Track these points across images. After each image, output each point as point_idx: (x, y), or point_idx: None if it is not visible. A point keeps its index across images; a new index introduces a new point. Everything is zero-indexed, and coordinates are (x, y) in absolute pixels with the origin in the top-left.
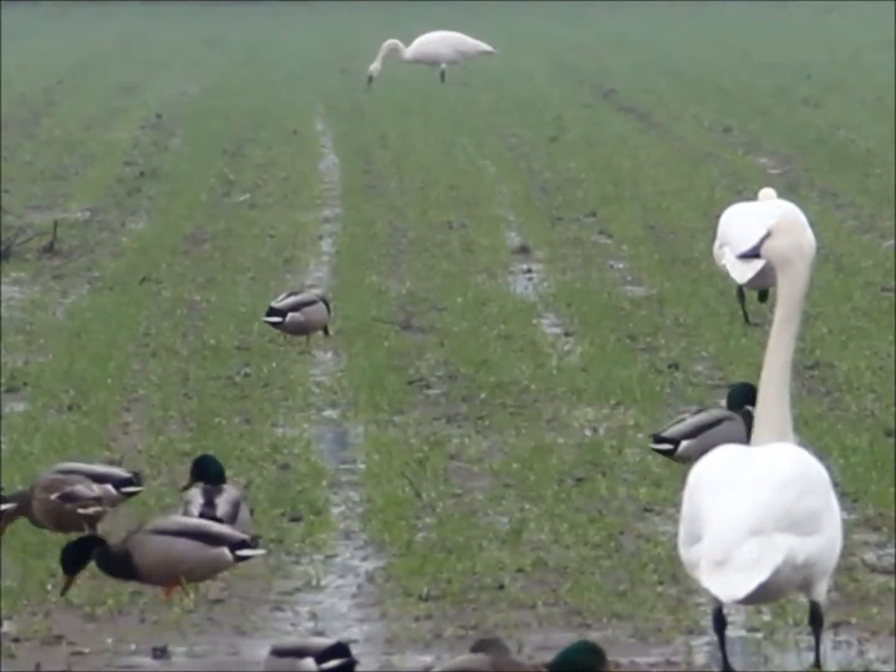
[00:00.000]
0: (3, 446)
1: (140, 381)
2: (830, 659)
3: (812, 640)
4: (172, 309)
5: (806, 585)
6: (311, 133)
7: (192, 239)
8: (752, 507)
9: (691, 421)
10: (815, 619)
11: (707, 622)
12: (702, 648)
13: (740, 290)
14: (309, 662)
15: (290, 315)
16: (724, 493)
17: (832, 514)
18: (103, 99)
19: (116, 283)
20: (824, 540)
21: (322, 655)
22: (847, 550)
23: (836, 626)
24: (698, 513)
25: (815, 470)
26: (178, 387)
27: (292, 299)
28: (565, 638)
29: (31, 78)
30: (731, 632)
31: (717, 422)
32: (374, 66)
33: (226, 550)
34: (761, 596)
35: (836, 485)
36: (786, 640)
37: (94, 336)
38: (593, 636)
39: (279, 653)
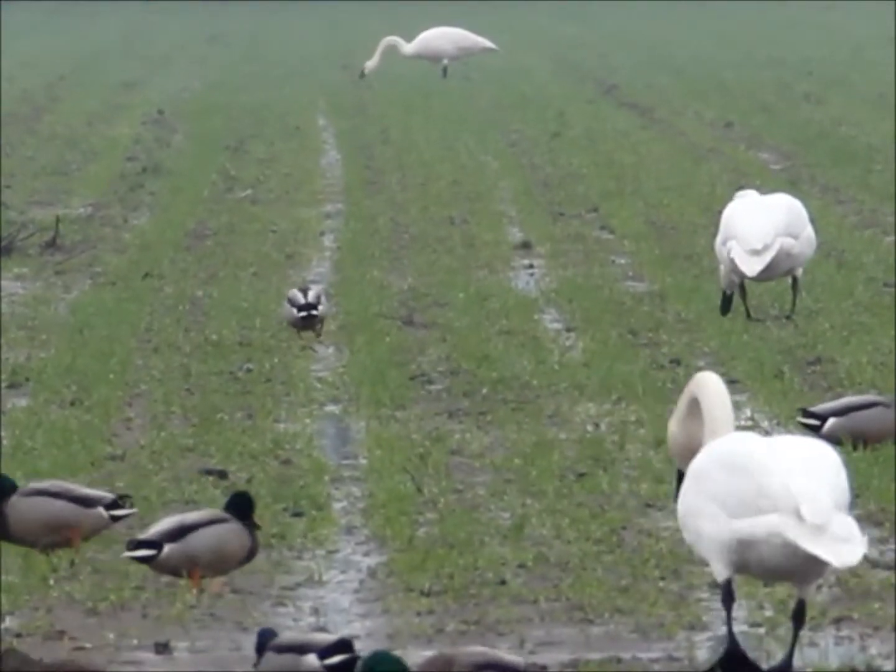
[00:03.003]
0: (5, 441)
1: (142, 377)
2: (832, 654)
3: (813, 635)
4: (174, 304)
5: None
6: (312, 129)
7: (194, 235)
8: (832, 487)
9: (843, 400)
10: (800, 615)
11: (709, 618)
12: (704, 644)
13: (742, 286)
14: (312, 659)
15: (320, 308)
16: (795, 473)
17: None
18: (105, 95)
19: (118, 279)
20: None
21: (326, 651)
22: None
23: (837, 621)
24: (766, 490)
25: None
26: (180, 382)
27: (313, 293)
28: (567, 633)
29: (33, 74)
30: (734, 627)
31: (869, 405)
32: (370, 63)
33: (101, 510)
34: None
35: None
36: (789, 635)
37: (97, 331)
38: (595, 631)
39: (279, 648)
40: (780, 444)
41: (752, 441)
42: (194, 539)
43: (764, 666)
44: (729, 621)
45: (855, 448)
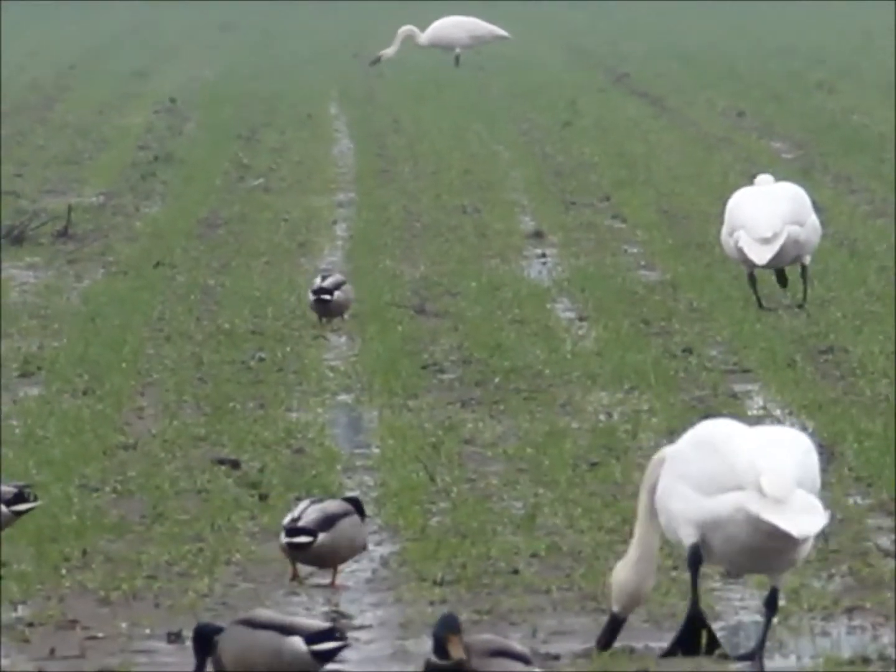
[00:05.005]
0: (17, 430)
1: (154, 366)
2: (844, 644)
3: (825, 624)
4: (187, 293)
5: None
6: (324, 118)
7: (207, 223)
8: (798, 465)
9: None
10: (773, 603)
11: (721, 607)
12: (716, 633)
13: (751, 275)
14: (297, 641)
15: (336, 294)
16: (761, 452)
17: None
18: (117, 84)
19: (131, 268)
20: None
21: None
22: (861, 535)
23: (849, 610)
24: (733, 467)
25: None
26: (192, 371)
27: (332, 279)
28: (579, 622)
29: (44, 63)
30: (746, 616)
31: None
32: (388, 51)
33: (2, 507)
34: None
35: (849, 469)
36: (800, 625)
37: (109, 321)
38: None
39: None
40: (756, 429)
41: (729, 425)
42: (342, 528)
43: (774, 658)
44: (694, 586)
45: None
